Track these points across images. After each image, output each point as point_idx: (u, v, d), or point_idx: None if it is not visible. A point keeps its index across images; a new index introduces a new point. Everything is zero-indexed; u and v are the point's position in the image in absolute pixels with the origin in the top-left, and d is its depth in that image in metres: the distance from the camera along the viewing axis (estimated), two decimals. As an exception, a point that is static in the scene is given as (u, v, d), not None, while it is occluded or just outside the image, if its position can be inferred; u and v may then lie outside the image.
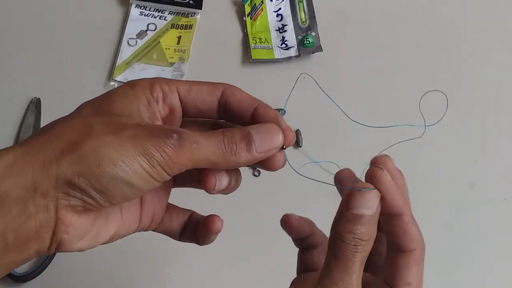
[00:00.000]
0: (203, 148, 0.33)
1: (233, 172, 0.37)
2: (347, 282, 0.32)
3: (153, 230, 0.41)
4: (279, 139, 0.36)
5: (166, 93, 0.36)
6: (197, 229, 0.41)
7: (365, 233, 0.33)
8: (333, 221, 0.34)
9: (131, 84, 0.36)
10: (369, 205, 0.33)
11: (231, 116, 0.38)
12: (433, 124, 0.38)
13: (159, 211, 0.40)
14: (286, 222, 0.41)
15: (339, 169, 0.36)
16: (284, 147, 0.36)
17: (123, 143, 0.31)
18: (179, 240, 0.42)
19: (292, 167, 0.36)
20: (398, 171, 0.35)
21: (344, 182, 0.35)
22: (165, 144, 0.32)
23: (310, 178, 0.37)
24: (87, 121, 0.33)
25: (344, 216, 0.33)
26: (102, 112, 0.34)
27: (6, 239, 0.30)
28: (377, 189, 0.34)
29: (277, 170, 0.37)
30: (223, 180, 0.36)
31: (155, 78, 0.37)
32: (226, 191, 0.37)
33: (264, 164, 0.36)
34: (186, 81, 0.38)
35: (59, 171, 0.31)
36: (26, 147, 0.31)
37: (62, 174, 0.31)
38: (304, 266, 0.41)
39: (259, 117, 0.37)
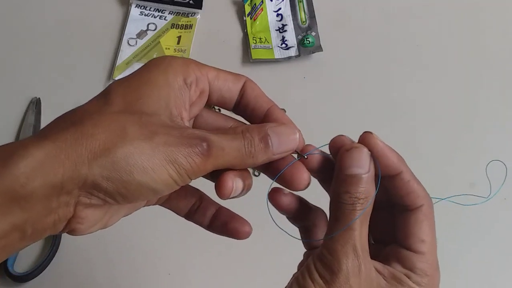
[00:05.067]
0: (227, 154, 0.34)
1: (247, 176, 0.37)
2: (347, 238, 0.33)
3: (159, 205, 0.41)
4: (296, 141, 0.36)
5: (199, 78, 0.36)
6: (217, 223, 0.41)
7: (361, 192, 0.33)
8: (332, 184, 0.34)
9: (163, 68, 0.35)
10: (360, 164, 0.34)
11: (243, 110, 0.38)
12: (487, 199, 0.40)
13: None
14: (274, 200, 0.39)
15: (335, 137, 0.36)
16: (305, 156, 0.36)
17: (154, 152, 0.31)
18: (185, 218, 0.42)
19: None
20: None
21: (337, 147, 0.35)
22: (195, 153, 0.32)
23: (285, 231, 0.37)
24: (120, 120, 0.32)
25: (338, 178, 0.34)
26: (134, 109, 0.33)
27: (25, 231, 0.31)
28: (371, 152, 0.34)
29: (302, 189, 0.36)
30: (238, 186, 0.36)
31: (187, 60, 0.36)
32: (238, 196, 0.37)
33: (288, 184, 0.36)
34: (213, 67, 0.38)
35: (89, 173, 0.31)
36: (58, 143, 0.31)
37: (91, 177, 0.31)
38: (308, 245, 0.41)
39: (272, 120, 0.37)
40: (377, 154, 0.34)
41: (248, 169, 0.37)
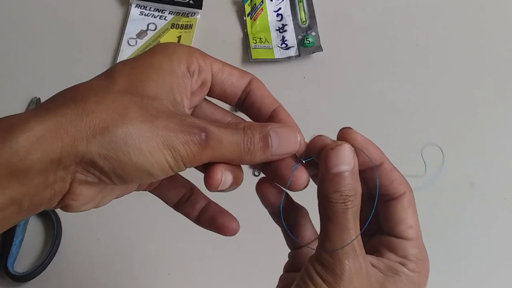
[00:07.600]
0: (224, 148, 0.34)
1: (238, 172, 0.36)
2: (345, 239, 0.33)
3: (149, 191, 0.41)
4: (296, 145, 0.36)
5: (202, 68, 0.36)
6: (206, 216, 0.41)
7: (350, 189, 0.33)
8: (317, 185, 0.34)
9: (168, 54, 0.35)
10: (346, 161, 0.33)
11: (248, 108, 0.38)
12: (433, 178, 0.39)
13: None
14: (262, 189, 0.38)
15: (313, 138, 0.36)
16: (304, 160, 0.36)
17: (154, 135, 0.32)
18: (174, 209, 0.42)
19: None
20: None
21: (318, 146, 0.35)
22: (192, 142, 0.32)
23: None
24: (122, 100, 0.32)
25: (326, 178, 0.34)
26: (137, 91, 0.33)
27: (22, 205, 0.31)
28: (353, 146, 0.34)
29: (300, 189, 0.36)
30: (227, 180, 0.35)
31: (192, 49, 0.36)
32: (226, 190, 0.37)
33: (286, 184, 0.36)
34: (219, 60, 0.38)
35: (87, 151, 0.31)
36: (58, 117, 0.31)
37: (89, 154, 0.31)
38: (292, 245, 0.40)
39: (277, 122, 0.37)
40: (360, 147, 0.34)
41: (249, 168, 0.37)
